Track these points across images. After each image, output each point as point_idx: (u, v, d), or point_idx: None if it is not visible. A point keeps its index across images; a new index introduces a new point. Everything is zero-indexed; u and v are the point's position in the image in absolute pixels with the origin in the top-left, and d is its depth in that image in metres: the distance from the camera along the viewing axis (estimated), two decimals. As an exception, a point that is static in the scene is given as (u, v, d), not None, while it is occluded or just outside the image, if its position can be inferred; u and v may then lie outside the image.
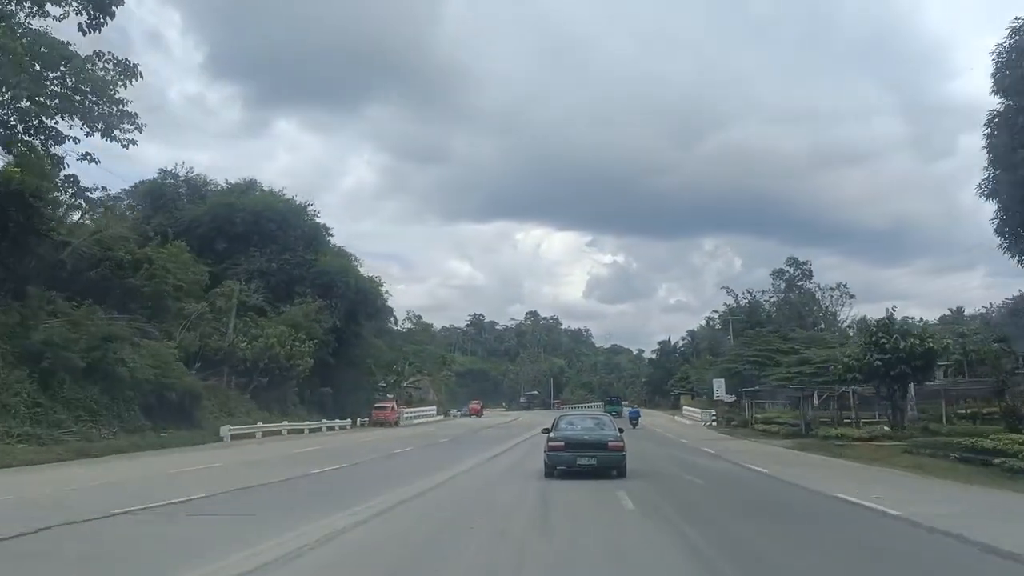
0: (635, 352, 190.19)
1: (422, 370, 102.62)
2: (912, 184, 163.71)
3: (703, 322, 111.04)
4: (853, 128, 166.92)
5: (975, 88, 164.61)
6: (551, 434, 18.94)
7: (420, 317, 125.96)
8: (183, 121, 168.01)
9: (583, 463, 17.47)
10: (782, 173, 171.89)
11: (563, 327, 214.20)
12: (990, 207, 31.27)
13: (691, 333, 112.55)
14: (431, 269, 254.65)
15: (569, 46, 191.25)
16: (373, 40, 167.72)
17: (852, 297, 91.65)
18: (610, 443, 18.09)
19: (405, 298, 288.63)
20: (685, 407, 73.64)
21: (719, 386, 59.37)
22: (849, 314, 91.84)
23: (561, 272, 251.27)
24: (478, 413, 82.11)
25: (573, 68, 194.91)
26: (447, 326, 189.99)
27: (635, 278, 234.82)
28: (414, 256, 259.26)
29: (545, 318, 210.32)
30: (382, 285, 65.29)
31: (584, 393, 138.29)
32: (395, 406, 59.02)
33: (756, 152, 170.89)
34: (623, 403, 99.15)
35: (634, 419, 57.19)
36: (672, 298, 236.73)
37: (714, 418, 59.26)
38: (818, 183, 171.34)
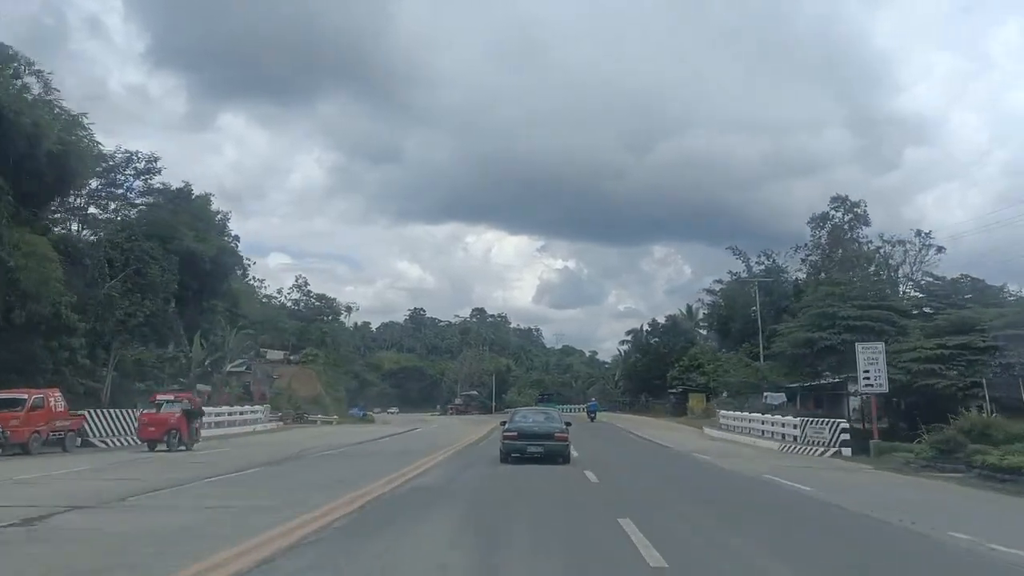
0: (588, 354, 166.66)
1: (308, 353, 66.15)
2: (859, 195, 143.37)
3: (683, 308, 76.70)
4: (803, 139, 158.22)
5: (920, 103, 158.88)
6: (506, 426, 20.08)
7: (307, 283, 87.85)
8: (124, 111, 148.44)
9: (532, 451, 18.69)
10: (733, 182, 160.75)
11: (512, 326, 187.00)
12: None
13: (672, 318, 77.41)
14: (380, 271, 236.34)
15: (525, 50, 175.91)
16: (326, 34, 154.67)
17: (940, 251, 57.33)
18: (556, 434, 19.12)
19: (353, 299, 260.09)
20: (722, 413, 37.60)
21: (876, 364, 23.91)
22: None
23: (512, 276, 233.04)
24: (155, 434, 23.91)
25: (529, 72, 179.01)
26: (386, 322, 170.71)
27: (586, 284, 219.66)
28: (363, 257, 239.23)
29: (492, 315, 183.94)
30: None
31: (535, 393, 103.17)
32: (55, 403, 21.96)
33: (708, 160, 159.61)
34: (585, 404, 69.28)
35: (592, 413, 53.38)
36: (622, 304, 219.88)
37: (844, 434, 23.97)
38: (768, 192, 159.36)
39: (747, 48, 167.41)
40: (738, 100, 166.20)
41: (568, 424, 20.33)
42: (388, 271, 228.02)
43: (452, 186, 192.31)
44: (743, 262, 71.99)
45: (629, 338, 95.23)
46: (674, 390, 55.27)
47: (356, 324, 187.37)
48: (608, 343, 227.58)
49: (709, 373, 50.67)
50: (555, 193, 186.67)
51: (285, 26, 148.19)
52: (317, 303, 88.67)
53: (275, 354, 74.45)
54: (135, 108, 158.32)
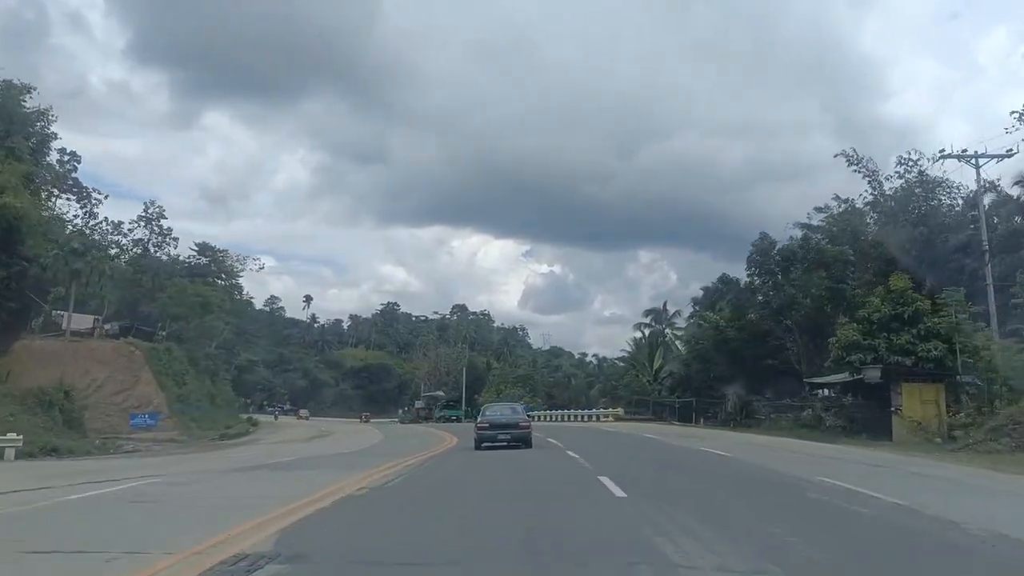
0: (577, 356, 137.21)
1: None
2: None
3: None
4: (790, 144, 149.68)
5: (907, 109, 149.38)
6: (479, 419, 22.40)
7: (163, 215, 52.81)
8: (105, 108, 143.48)
9: (501, 437, 20.51)
10: (719, 186, 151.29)
11: (496, 324, 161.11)
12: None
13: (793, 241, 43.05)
14: (364, 273, 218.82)
15: (512, 51, 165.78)
16: (310, 33, 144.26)
17: None
18: (520, 424, 21.19)
19: (337, 303, 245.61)
20: None
21: None
22: None
23: (497, 281, 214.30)
24: None
25: (515, 74, 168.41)
26: (353, 314, 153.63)
27: (571, 289, 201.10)
28: (347, 260, 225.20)
29: (475, 313, 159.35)
30: None
31: (518, 393, 71.17)
32: None
33: (694, 164, 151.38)
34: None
35: None
36: (607, 310, 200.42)
37: None
38: (754, 197, 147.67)
39: (734, 52, 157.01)
40: (725, 104, 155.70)
41: (530, 416, 24.40)
42: (372, 274, 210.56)
43: (438, 188, 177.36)
44: (865, 176, 39.67)
45: (648, 320, 63.20)
46: (848, 375, 22.24)
47: (314, 317, 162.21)
48: (594, 348, 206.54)
49: (955, 332, 18.77)
50: (541, 196, 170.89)
51: (270, 24, 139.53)
52: (201, 257, 55.63)
53: (83, 320, 42.28)
54: (116, 105, 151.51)
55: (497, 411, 22.95)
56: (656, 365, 48.20)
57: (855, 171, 40.06)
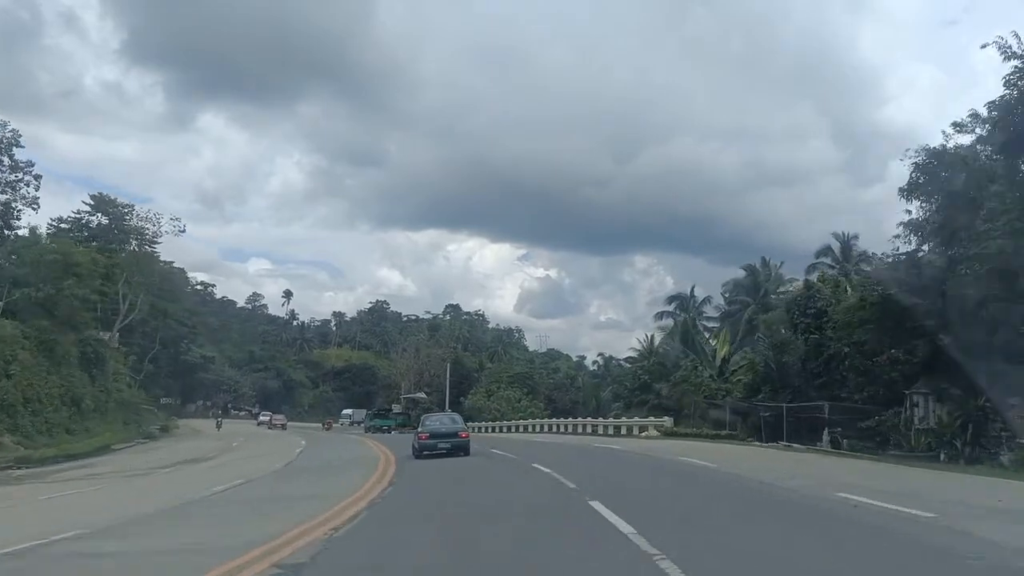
0: (575, 359, 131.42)
1: None
2: (843, 207, 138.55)
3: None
4: (787, 150, 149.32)
5: (905, 115, 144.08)
6: (419, 429, 22.88)
7: (17, 141, 37.50)
8: (100, 109, 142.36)
9: (441, 447, 21.08)
10: (715, 191, 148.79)
11: (491, 326, 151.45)
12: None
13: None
14: (359, 277, 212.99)
15: (509, 55, 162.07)
16: (307, 35, 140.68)
17: None
18: (460, 433, 21.97)
19: (332, 307, 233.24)
20: None
21: None
22: None
23: (493, 285, 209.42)
24: None
25: (512, 77, 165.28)
26: (337, 311, 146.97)
27: (567, 293, 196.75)
28: (342, 263, 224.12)
29: (468, 313, 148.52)
30: None
31: (515, 395, 57.53)
32: None
33: (690, 169, 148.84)
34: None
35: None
36: (603, 315, 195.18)
37: None
38: (750, 202, 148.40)
39: (732, 57, 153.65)
40: (721, 109, 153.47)
41: (467, 424, 25.19)
42: (368, 278, 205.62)
43: (434, 191, 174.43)
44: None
45: (672, 308, 50.42)
46: None
47: (294, 313, 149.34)
48: (592, 353, 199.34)
49: None
50: (538, 200, 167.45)
51: (266, 26, 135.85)
52: (96, 215, 40.79)
53: None
54: (111, 107, 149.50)
55: (437, 421, 23.74)
56: (721, 353, 32.83)
57: (1017, 67, 25.42)
